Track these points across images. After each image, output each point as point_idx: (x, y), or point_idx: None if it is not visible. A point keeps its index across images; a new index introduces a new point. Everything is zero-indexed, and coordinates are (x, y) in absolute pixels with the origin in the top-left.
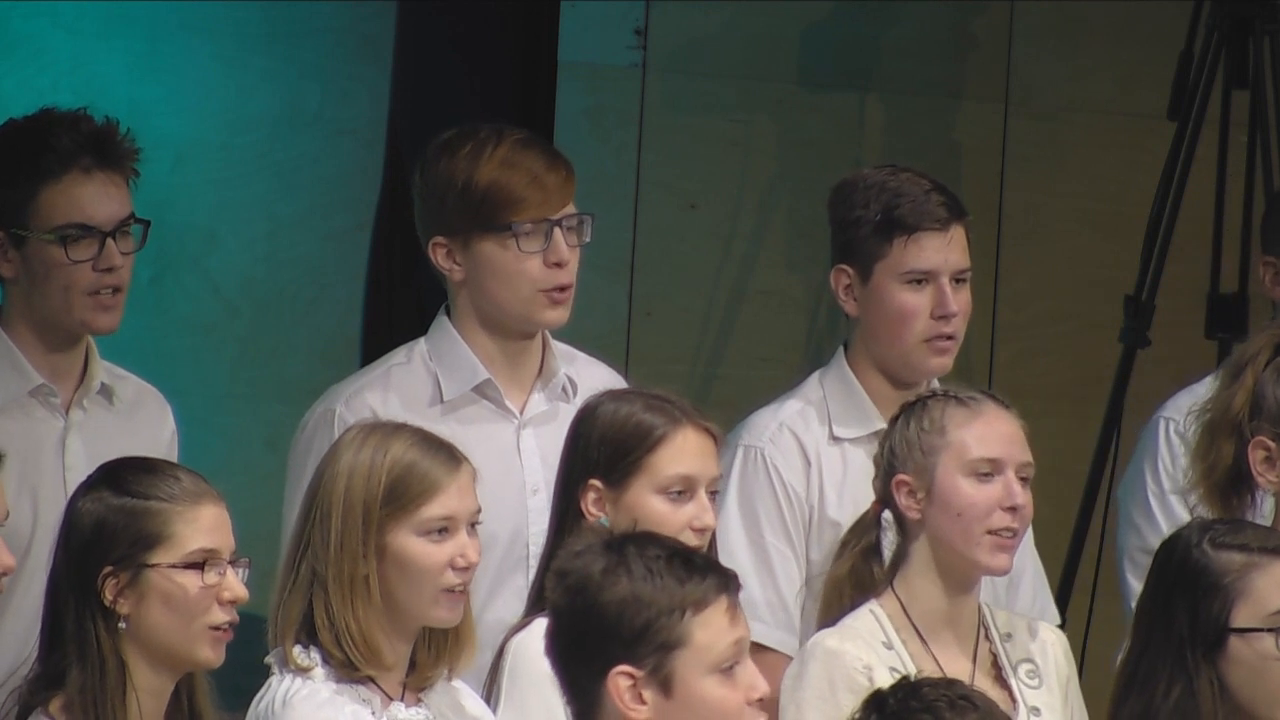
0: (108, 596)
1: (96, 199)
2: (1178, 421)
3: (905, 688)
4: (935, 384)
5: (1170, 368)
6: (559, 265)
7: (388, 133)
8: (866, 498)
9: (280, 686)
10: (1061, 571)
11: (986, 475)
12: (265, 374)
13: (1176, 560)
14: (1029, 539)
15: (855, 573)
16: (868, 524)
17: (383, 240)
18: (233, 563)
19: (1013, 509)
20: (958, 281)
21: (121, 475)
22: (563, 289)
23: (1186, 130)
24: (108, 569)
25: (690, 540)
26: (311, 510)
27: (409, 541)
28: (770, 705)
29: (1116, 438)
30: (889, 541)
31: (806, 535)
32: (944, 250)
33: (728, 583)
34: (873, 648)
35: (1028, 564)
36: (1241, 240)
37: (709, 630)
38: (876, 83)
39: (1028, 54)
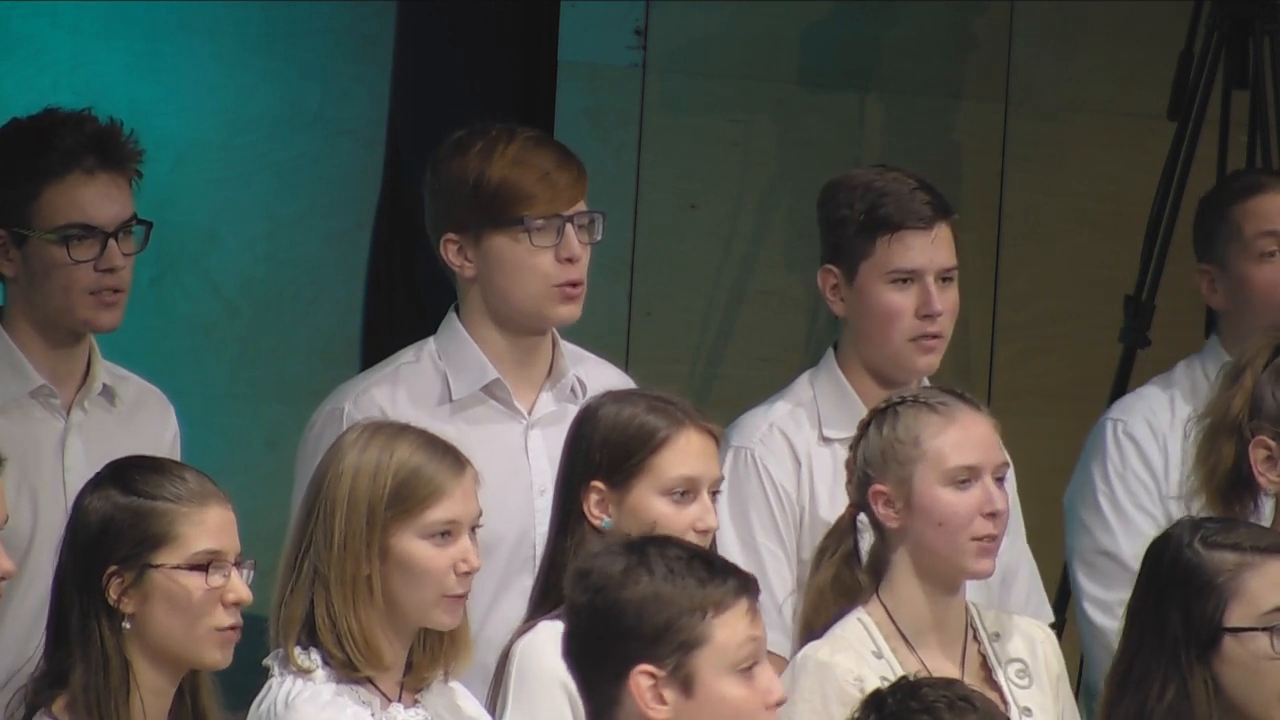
0: (112, 596)
1: (99, 199)
2: (1125, 422)
3: (904, 688)
4: (925, 382)
5: (1170, 368)
6: (570, 261)
7: (388, 133)
8: None
9: (281, 688)
10: (1061, 571)
11: (965, 483)
12: (265, 374)
13: (1168, 560)
14: (1022, 537)
15: (838, 579)
16: (844, 530)
17: (383, 240)
18: (237, 564)
19: (992, 514)
20: (944, 280)
21: (129, 474)
22: (574, 284)
23: (1186, 130)
24: (113, 568)
25: (693, 541)
26: (314, 508)
27: (413, 544)
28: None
29: None
30: (865, 543)
31: (798, 536)
32: (928, 249)
33: (748, 585)
34: (863, 658)
35: (1022, 562)
36: None
37: (729, 631)
38: (876, 83)
39: (1028, 54)
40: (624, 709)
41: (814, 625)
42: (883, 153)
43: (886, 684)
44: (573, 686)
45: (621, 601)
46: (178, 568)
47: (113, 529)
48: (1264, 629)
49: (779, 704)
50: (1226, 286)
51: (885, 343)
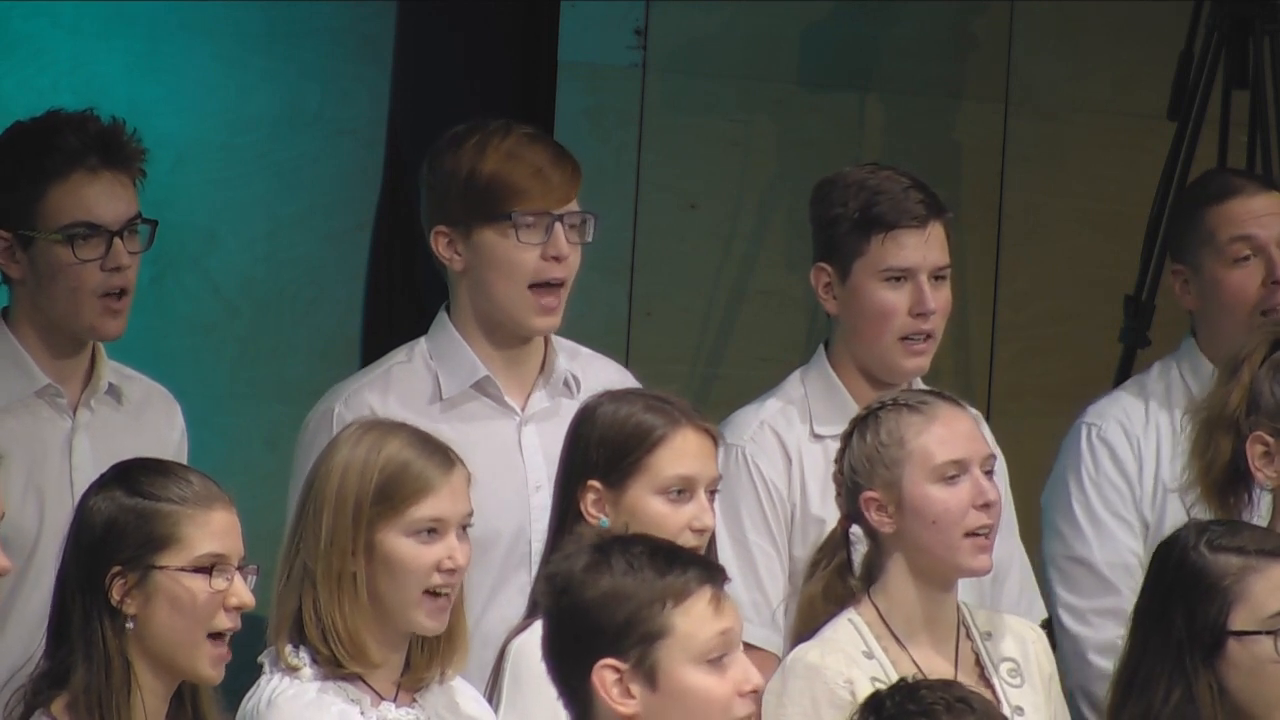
0: (115, 596)
1: (103, 198)
2: (1100, 427)
3: (903, 690)
4: (918, 383)
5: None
6: (556, 259)
7: (388, 133)
8: None
9: (268, 685)
10: None
11: (954, 477)
12: (265, 374)
13: (1173, 563)
14: (1015, 534)
15: (829, 590)
16: (836, 542)
17: (383, 240)
18: (241, 568)
19: (985, 505)
20: (937, 279)
21: (134, 475)
22: (554, 289)
23: (1186, 130)
24: (116, 568)
25: (689, 541)
26: (305, 506)
27: (397, 541)
28: (757, 703)
29: None
30: (858, 552)
31: (789, 533)
32: (922, 248)
33: (712, 575)
34: (854, 660)
35: (1014, 559)
36: None
37: (691, 620)
38: (876, 83)
39: (1028, 54)
40: (597, 709)
41: (804, 636)
42: (883, 153)
43: (879, 685)
44: None
45: (584, 600)
46: (181, 570)
47: (117, 530)
48: (1268, 632)
49: (754, 692)
50: (1199, 288)
51: (876, 341)
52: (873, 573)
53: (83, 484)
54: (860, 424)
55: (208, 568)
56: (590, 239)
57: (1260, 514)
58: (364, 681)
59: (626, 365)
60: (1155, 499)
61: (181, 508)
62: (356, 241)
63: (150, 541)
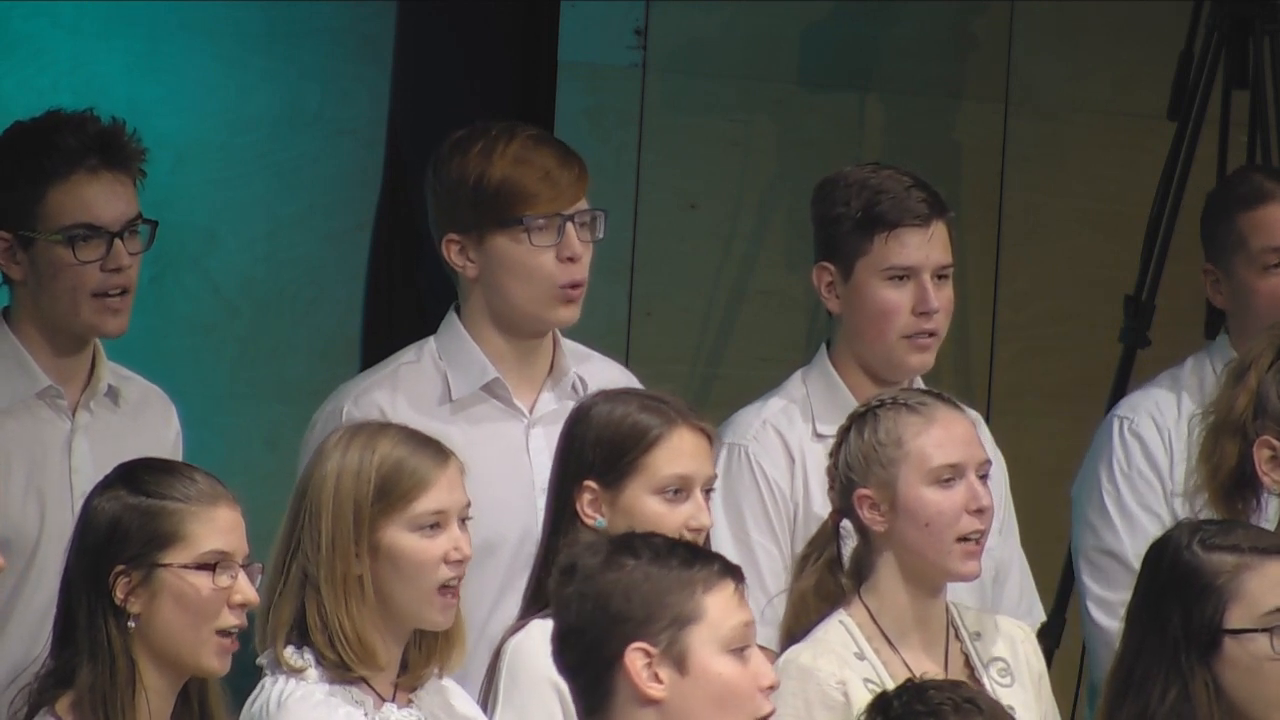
0: (119, 595)
1: (103, 199)
2: (1131, 420)
3: (910, 690)
4: (919, 381)
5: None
6: (572, 260)
7: (388, 133)
8: None
9: (274, 688)
10: (1061, 571)
11: (949, 481)
12: (265, 374)
13: (1167, 562)
14: (1015, 536)
15: (821, 585)
16: (827, 536)
17: (383, 240)
18: (245, 566)
19: (979, 511)
20: (939, 278)
21: (138, 475)
22: (575, 285)
23: (1186, 130)
24: (120, 567)
25: None
26: (300, 513)
27: (402, 537)
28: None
29: None
30: (847, 548)
31: (791, 532)
32: (925, 246)
33: (732, 570)
34: (845, 661)
35: (1014, 560)
36: None
37: (721, 607)
38: (876, 83)
39: (1028, 54)
40: (619, 698)
41: (796, 631)
42: (883, 153)
43: (871, 686)
44: (563, 686)
45: (610, 586)
46: (185, 567)
47: (121, 528)
48: (1264, 630)
49: (771, 689)
50: (1230, 290)
51: (879, 340)
52: (862, 570)
53: (82, 485)
54: (858, 420)
55: (212, 564)
56: (601, 235)
57: (1268, 518)
58: (367, 684)
59: (626, 365)
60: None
61: (186, 505)
62: (356, 241)
63: (155, 539)
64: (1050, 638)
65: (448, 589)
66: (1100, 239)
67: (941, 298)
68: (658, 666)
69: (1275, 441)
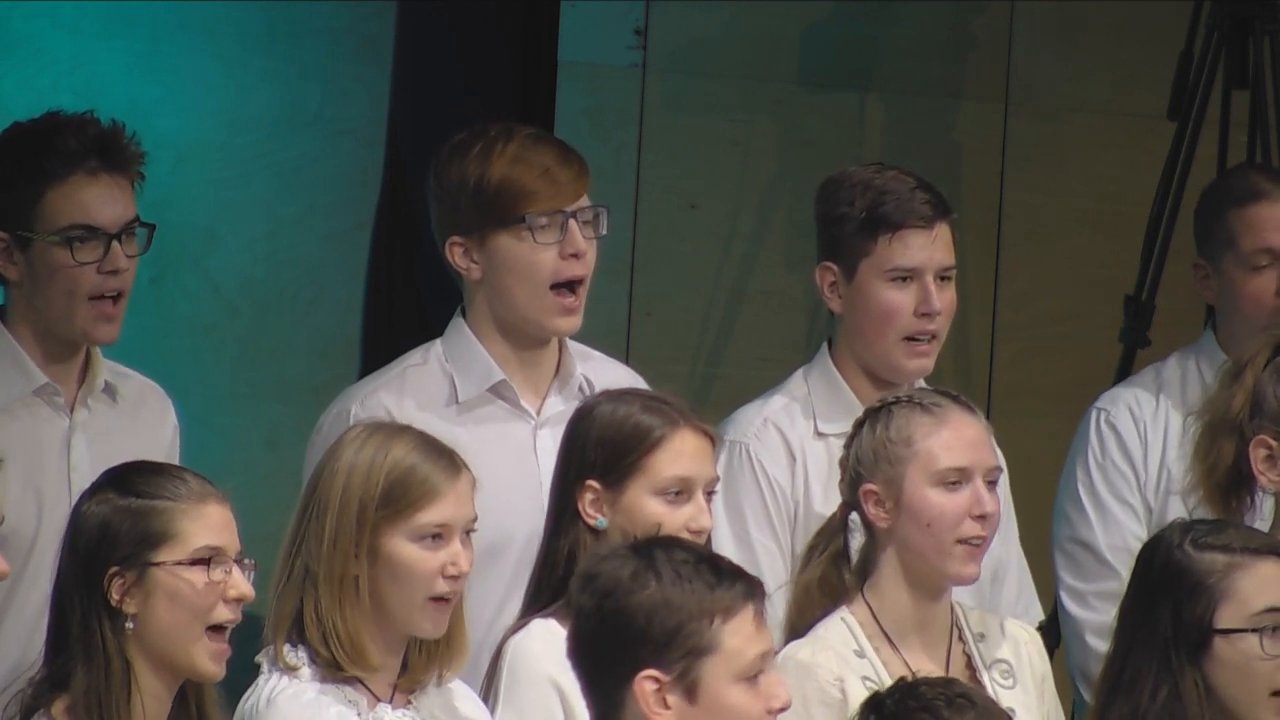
0: (114, 596)
1: (102, 201)
2: (1109, 412)
3: (903, 688)
4: (921, 383)
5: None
6: (575, 257)
7: (388, 133)
8: None
9: (267, 685)
10: None
11: (955, 484)
12: (265, 374)
13: (1159, 562)
14: (1014, 536)
15: (825, 579)
16: (834, 528)
17: (383, 240)
18: (238, 562)
19: (982, 517)
20: (942, 279)
21: (127, 478)
22: (575, 288)
23: (1186, 130)
24: (114, 569)
25: None
26: (309, 506)
27: (402, 546)
28: None
29: None
30: (855, 543)
31: (792, 530)
32: (928, 248)
33: (754, 590)
34: (844, 659)
35: (1012, 560)
36: None
37: (738, 638)
38: (876, 83)
39: (1028, 54)
40: (628, 712)
41: (799, 625)
42: (883, 153)
43: (870, 684)
44: (563, 685)
45: (630, 606)
46: (179, 564)
47: (112, 531)
48: (1254, 630)
49: (782, 709)
50: (1219, 286)
51: (880, 341)
52: (867, 566)
53: (80, 483)
54: (872, 416)
55: (205, 560)
56: (605, 232)
57: (1263, 517)
58: (361, 684)
59: (626, 365)
60: (1160, 486)
61: (176, 504)
62: (356, 241)
63: (146, 539)
64: (1049, 637)
65: (441, 600)
66: (1100, 239)
67: (944, 299)
68: (668, 693)
69: (1271, 440)
